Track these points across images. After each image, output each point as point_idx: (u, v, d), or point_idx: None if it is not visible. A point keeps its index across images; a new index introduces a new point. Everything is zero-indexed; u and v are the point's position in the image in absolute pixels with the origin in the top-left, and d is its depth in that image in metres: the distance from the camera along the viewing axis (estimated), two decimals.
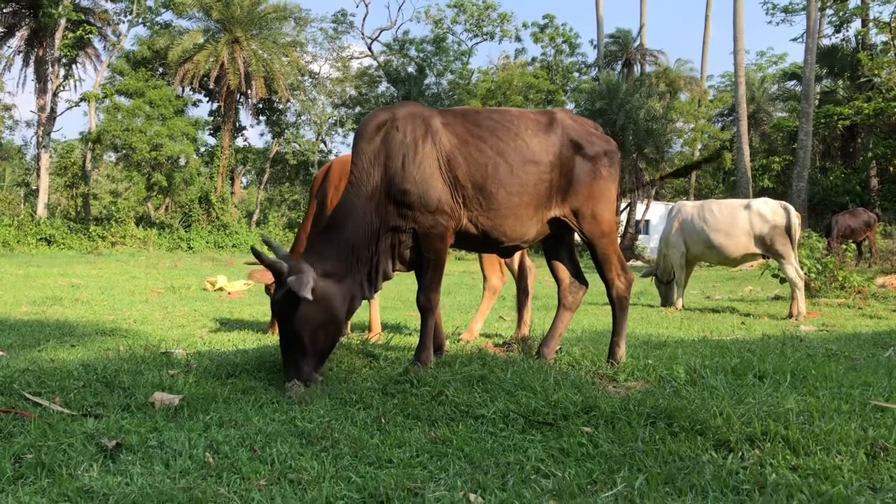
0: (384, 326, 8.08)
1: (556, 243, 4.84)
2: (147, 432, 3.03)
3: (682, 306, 11.17)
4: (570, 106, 42.83)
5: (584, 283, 4.88)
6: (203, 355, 4.88)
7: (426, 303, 4.36)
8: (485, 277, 7.00)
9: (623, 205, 39.80)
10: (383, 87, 45.22)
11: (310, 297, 3.90)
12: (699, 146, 42.75)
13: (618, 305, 4.72)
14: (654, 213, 42.68)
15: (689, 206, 11.32)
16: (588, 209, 4.55)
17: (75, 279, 14.67)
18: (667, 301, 11.48)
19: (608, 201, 4.63)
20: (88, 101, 36.81)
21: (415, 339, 6.15)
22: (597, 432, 3.08)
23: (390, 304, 11.12)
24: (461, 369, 4.04)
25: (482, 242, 4.58)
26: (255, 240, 32.42)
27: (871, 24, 35.97)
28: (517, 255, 6.80)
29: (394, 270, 4.42)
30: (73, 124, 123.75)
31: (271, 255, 4.20)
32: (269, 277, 7.31)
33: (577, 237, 4.85)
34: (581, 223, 4.57)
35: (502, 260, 6.86)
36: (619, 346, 4.65)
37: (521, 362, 4.23)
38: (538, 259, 26.40)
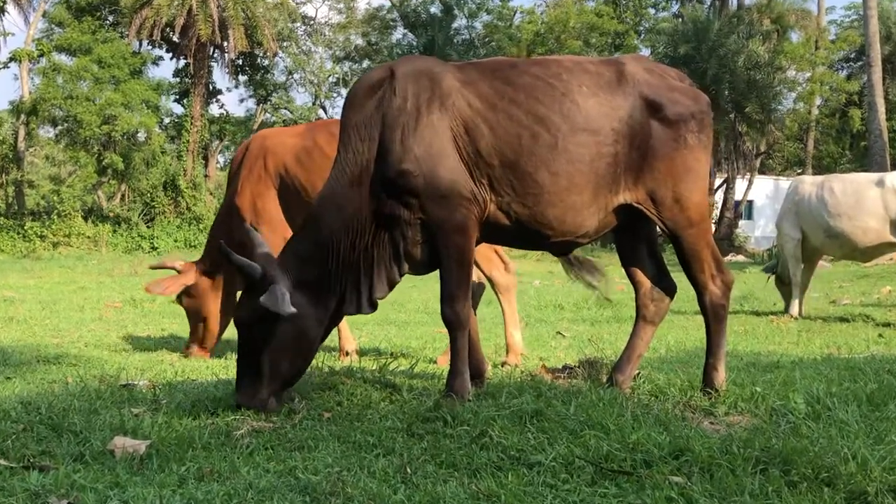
0: (403, 348, 8.11)
1: (632, 237, 4.80)
2: (106, 489, 3.06)
3: (800, 314, 11.07)
4: (646, 52, 42.55)
5: (671, 288, 4.84)
6: (175, 388, 4.94)
7: (453, 316, 4.36)
8: (487, 278, 7.02)
9: (718, 181, 39.49)
10: (399, 33, 45.45)
11: (290, 311, 4.10)
12: (818, 101, 42.22)
13: (713, 316, 4.67)
14: (760, 191, 42.27)
15: (807, 183, 11.22)
16: (669, 191, 4.48)
17: (8, 291, 14.90)
18: (789, 305, 11.40)
19: (697, 179, 4.56)
20: (20, 62, 37.30)
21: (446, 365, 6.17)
22: (690, 483, 3.06)
23: (413, 319, 11.16)
24: (509, 402, 4.04)
25: (520, 236, 4.58)
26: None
27: None
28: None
29: (401, 274, 4.43)
30: (0, 91, 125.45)
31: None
32: (171, 289, 7.57)
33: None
34: (661, 210, 4.50)
35: (497, 249, 6.88)
36: (716, 369, 4.61)
37: (588, 393, 4.22)
38: (605, 255, 26.27)
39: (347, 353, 7.30)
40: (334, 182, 4.39)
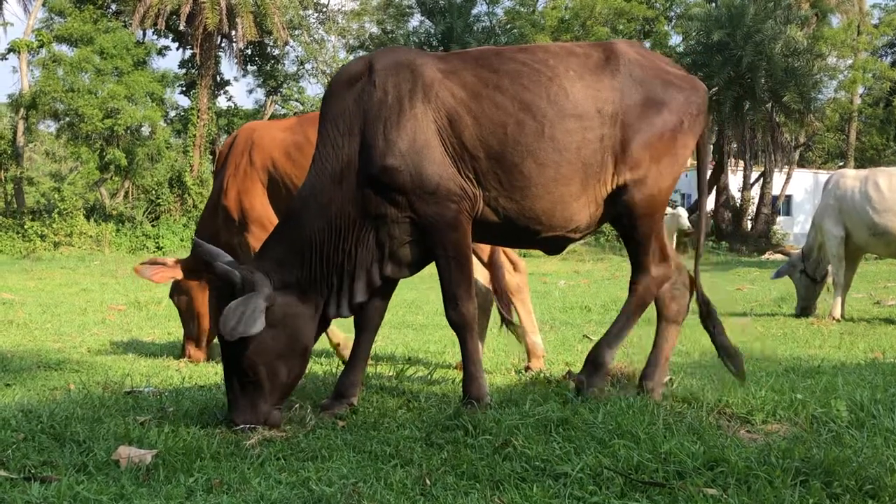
0: (421, 352, 8.11)
1: None
2: (111, 501, 3.09)
3: (842, 315, 11.01)
4: (677, 39, 42.45)
5: (691, 282, 4.83)
6: (182, 395, 4.96)
7: (459, 318, 4.39)
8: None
9: (755, 175, 39.34)
10: (416, 21, 45.31)
11: (260, 328, 4.02)
12: (860, 90, 41.95)
13: (637, 299, 4.66)
14: (799, 185, 42.07)
15: (849, 178, 11.17)
16: (650, 177, 4.51)
17: (7, 294, 15.00)
18: (808, 307, 11.35)
19: (675, 165, 4.60)
20: (18, 53, 37.52)
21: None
22: (726, 496, 3.06)
23: (431, 321, 11.15)
24: (533, 410, 4.05)
25: (509, 233, 4.60)
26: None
27: None
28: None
29: (383, 276, 4.41)
30: None
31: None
32: (158, 277, 7.50)
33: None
34: (632, 191, 4.50)
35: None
36: (609, 346, 4.67)
37: (617, 400, 4.22)
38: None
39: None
40: (314, 178, 4.40)
